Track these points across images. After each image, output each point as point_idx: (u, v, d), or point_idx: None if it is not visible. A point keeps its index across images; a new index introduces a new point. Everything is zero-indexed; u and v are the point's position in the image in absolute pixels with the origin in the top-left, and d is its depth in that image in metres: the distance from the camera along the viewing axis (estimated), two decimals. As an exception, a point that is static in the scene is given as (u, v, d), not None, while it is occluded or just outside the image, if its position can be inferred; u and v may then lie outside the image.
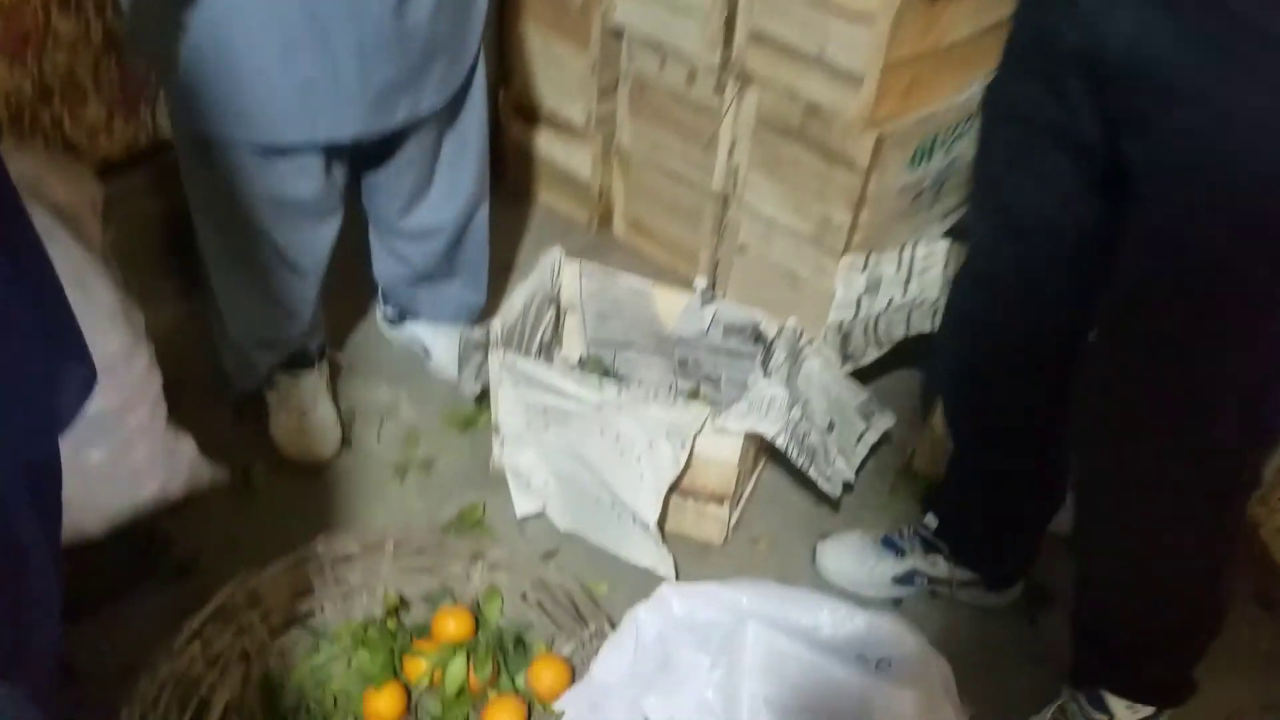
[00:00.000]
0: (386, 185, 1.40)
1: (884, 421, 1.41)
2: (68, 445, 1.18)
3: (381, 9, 1.13)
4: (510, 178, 2.03)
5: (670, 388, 1.56)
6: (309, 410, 1.46)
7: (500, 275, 1.86)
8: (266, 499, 1.44)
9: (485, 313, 1.62)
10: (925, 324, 1.46)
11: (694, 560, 1.38)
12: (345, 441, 1.52)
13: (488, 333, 1.37)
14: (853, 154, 1.44)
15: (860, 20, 1.36)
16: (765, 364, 1.35)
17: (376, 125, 1.21)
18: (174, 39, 1.12)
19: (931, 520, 1.33)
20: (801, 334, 1.38)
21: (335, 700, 1.16)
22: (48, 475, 0.97)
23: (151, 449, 1.28)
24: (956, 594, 1.33)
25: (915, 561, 1.32)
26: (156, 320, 1.62)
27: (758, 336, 1.44)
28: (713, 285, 1.82)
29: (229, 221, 1.28)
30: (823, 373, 1.40)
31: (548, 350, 1.56)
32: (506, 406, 1.36)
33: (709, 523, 1.38)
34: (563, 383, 1.31)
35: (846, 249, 1.52)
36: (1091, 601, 1.12)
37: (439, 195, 1.43)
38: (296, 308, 1.39)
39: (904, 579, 1.33)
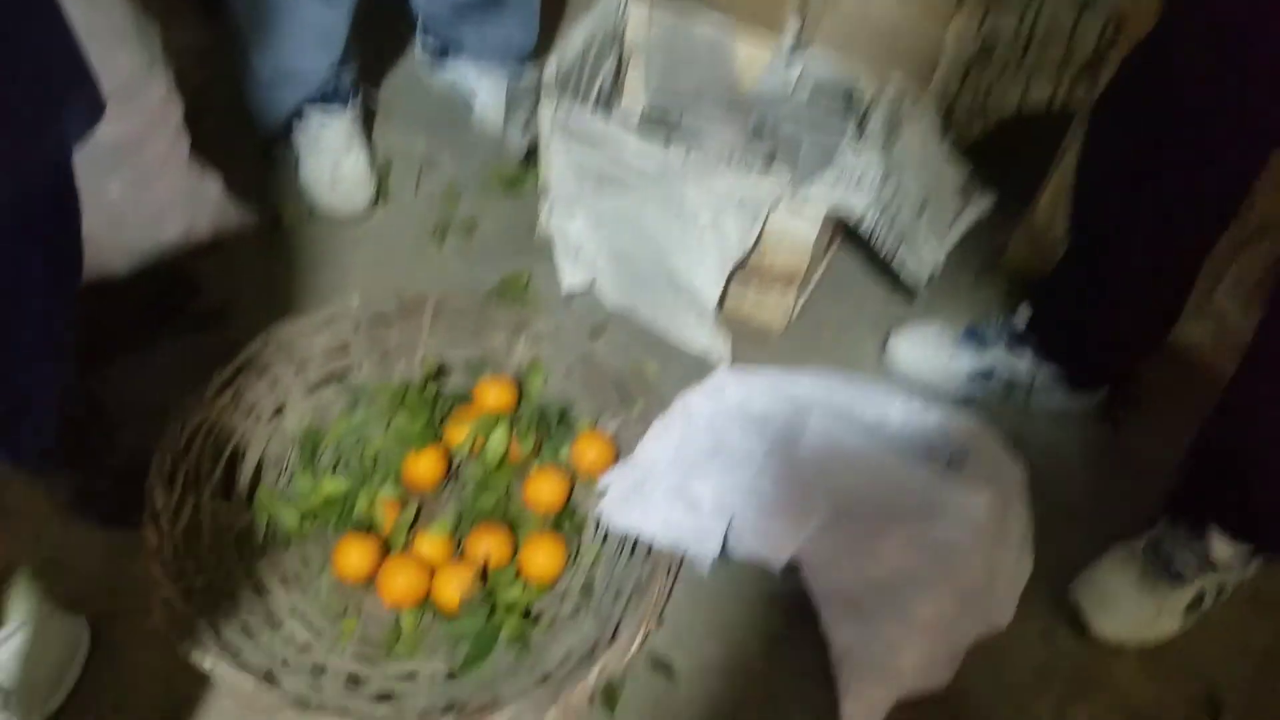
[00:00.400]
0: None
1: (983, 203, 1.25)
2: (85, 177, 1.08)
3: None
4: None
5: (742, 151, 1.40)
6: (341, 156, 1.33)
7: (555, 9, 1.66)
8: (298, 248, 1.34)
9: (538, 54, 1.44)
10: (1044, 91, 1.27)
11: (752, 345, 1.28)
12: (381, 193, 1.40)
13: (539, 77, 1.21)
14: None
15: None
16: (859, 131, 1.19)
17: None
18: None
19: (1023, 314, 1.21)
20: (904, 98, 1.20)
21: (375, 460, 1.12)
22: (56, 210, 0.87)
23: (174, 184, 1.17)
24: (1034, 398, 1.24)
25: (997, 356, 1.21)
26: (175, 44, 1.48)
27: (851, 99, 1.26)
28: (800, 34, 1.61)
29: None
30: (924, 144, 1.23)
31: (607, 101, 1.40)
32: (558, 166, 1.22)
33: (772, 307, 1.27)
34: (624, 142, 1.16)
35: (961, 3, 1.31)
36: (1233, 430, 0.99)
37: None
38: (327, 32, 1.22)
39: (982, 375, 1.23)
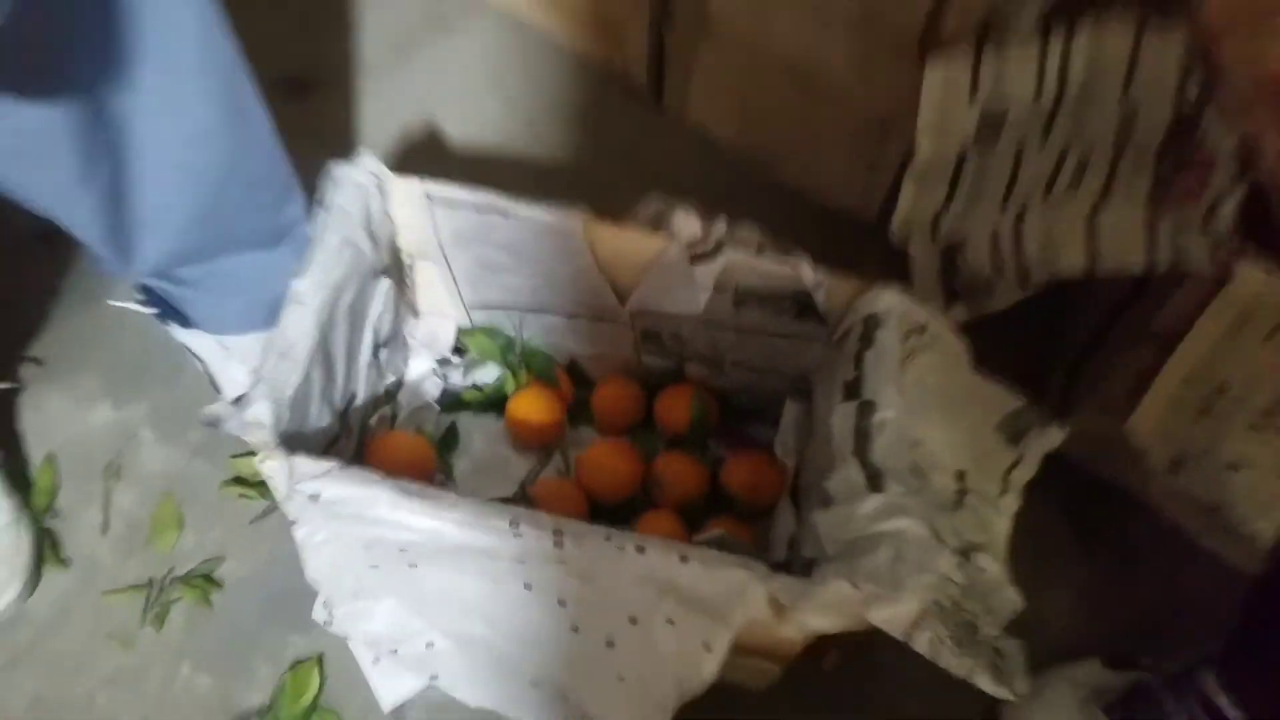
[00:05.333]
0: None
1: (1048, 440, 0.75)
2: None
3: None
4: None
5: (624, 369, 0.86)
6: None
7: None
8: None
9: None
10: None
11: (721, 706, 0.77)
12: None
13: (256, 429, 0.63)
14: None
15: None
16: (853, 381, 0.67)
17: None
18: None
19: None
20: (893, 315, 0.68)
21: None
22: None
23: None
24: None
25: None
26: None
27: (803, 307, 0.73)
28: (659, 92, 1.06)
29: None
30: (940, 372, 0.72)
31: (391, 348, 0.83)
32: (320, 556, 0.66)
33: (752, 674, 0.76)
34: (423, 520, 0.61)
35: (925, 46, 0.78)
36: None
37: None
38: None
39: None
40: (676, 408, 0.86)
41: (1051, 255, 0.80)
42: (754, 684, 0.77)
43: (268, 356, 0.65)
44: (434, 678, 0.75)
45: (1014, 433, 0.76)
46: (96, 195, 0.65)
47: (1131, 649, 0.80)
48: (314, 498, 0.61)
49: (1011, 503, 0.74)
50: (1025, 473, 0.75)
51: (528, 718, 0.73)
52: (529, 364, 0.89)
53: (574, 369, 0.90)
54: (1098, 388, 0.86)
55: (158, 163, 0.65)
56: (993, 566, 0.67)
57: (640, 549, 0.59)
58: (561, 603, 0.64)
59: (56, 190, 0.64)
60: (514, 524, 0.60)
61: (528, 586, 0.64)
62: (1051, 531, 0.89)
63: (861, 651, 0.80)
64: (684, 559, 0.59)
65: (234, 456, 0.87)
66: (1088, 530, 0.90)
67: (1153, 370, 0.79)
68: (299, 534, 0.65)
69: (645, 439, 0.87)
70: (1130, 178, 0.79)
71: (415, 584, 0.68)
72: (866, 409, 0.67)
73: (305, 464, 0.61)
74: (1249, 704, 0.65)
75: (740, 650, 0.63)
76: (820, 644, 0.67)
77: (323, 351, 0.69)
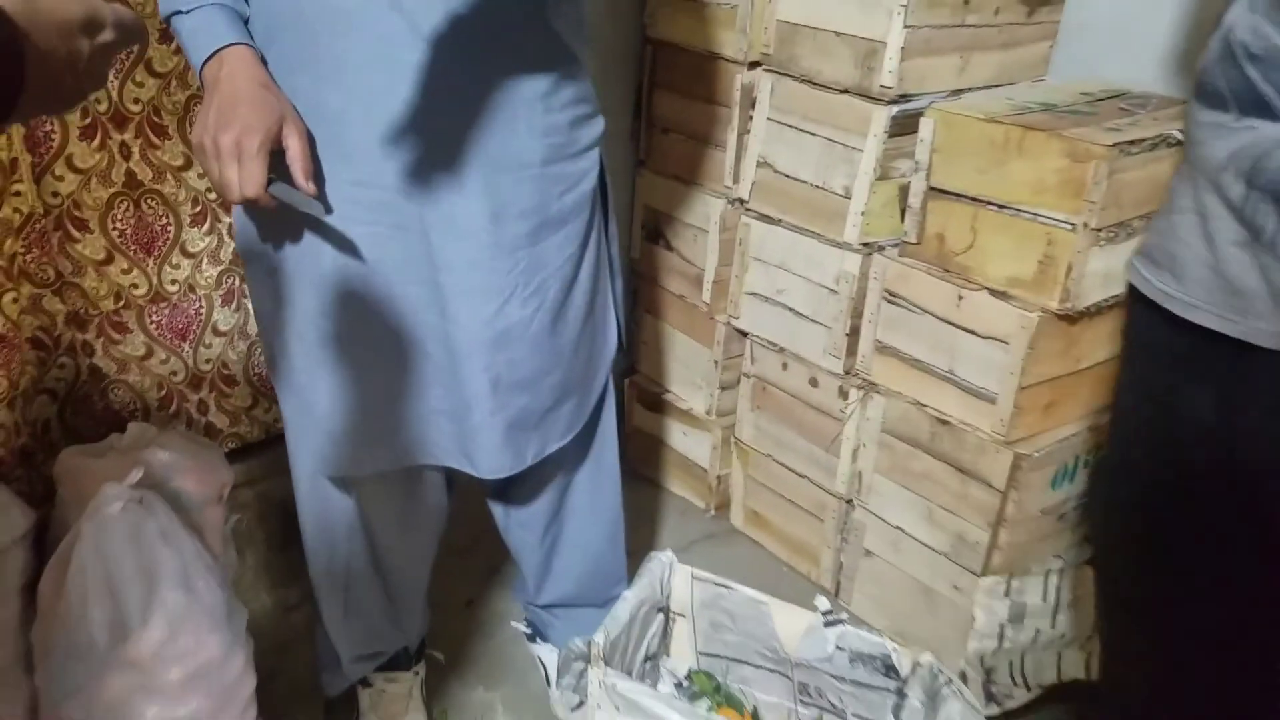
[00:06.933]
0: (523, 521, 1.39)
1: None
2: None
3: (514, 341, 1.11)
4: (631, 459, 2.02)
5: (790, 716, 1.41)
6: (399, 717, 1.38)
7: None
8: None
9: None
10: (1079, 669, 1.29)
11: None
12: (435, 748, 1.42)
13: (589, 645, 1.29)
14: (988, 472, 1.36)
15: (994, 341, 1.32)
16: (898, 710, 1.21)
17: (505, 464, 1.17)
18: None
19: None
20: (940, 674, 1.24)
21: None
22: None
23: (235, 755, 1.22)
24: None
25: None
26: (264, 602, 1.62)
27: (889, 669, 1.30)
28: (837, 590, 1.70)
29: (329, 555, 1.27)
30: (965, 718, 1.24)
31: (655, 661, 1.46)
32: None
33: None
34: (667, 712, 1.19)
35: (985, 570, 1.39)
36: None
37: (577, 527, 1.40)
38: (400, 622, 1.35)
39: None
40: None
41: None
42: None
43: (607, 629, 1.31)
44: None
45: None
46: (544, 550, 1.39)
47: None
48: (611, 690, 1.22)
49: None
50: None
51: None
52: (728, 701, 1.46)
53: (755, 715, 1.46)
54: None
55: (578, 530, 1.40)
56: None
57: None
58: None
59: (532, 541, 1.39)
60: None
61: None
62: None
63: None
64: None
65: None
66: None
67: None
68: (600, 717, 1.24)
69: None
70: None
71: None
72: None
73: (612, 673, 1.23)
74: None
75: None
76: None
77: (618, 650, 1.33)
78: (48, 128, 1.37)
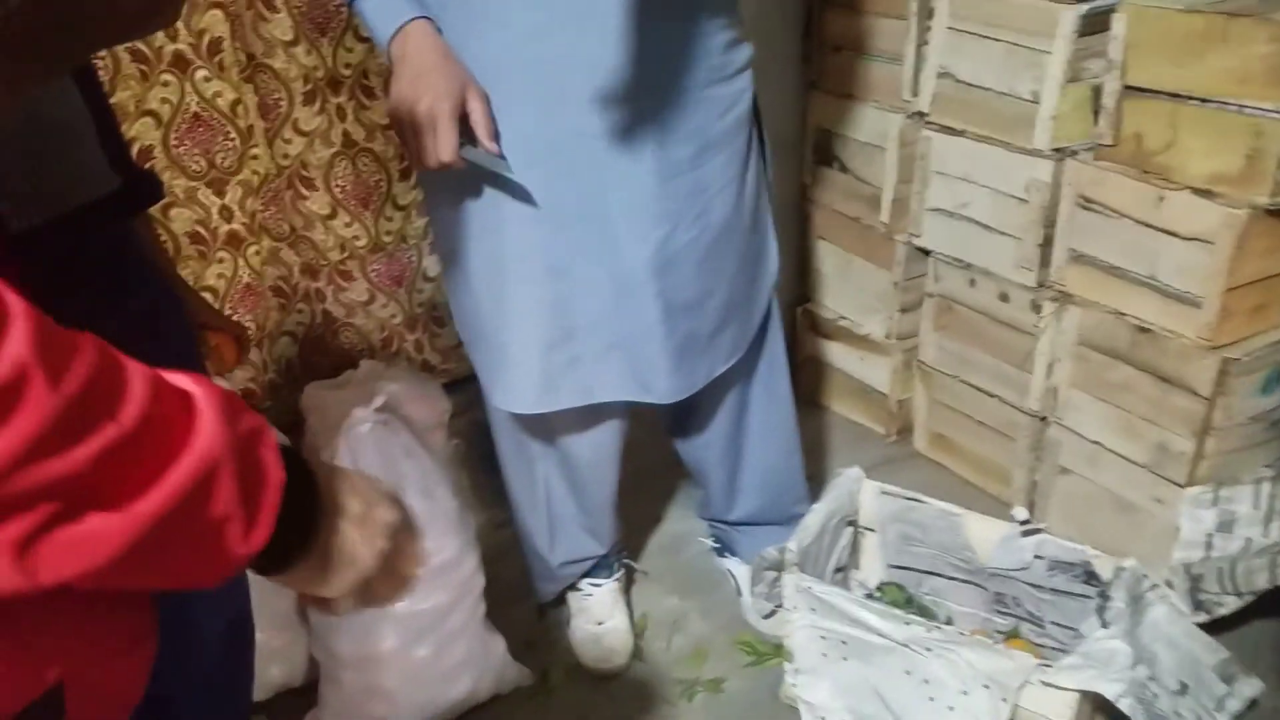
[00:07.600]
0: (703, 443, 1.45)
1: (1249, 688, 1.19)
2: (399, 641, 1.29)
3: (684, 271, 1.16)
4: (803, 388, 2.05)
5: (985, 625, 1.43)
6: (605, 619, 1.49)
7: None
8: (561, 704, 1.47)
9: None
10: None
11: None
12: (637, 650, 1.53)
13: (782, 553, 1.35)
14: (1193, 380, 1.31)
15: (1197, 242, 1.27)
16: (1101, 611, 1.21)
17: (679, 388, 1.23)
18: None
19: None
20: (1144, 578, 1.23)
21: None
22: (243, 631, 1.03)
23: (469, 647, 1.37)
24: None
25: None
26: (477, 519, 1.77)
27: (1090, 577, 1.29)
28: (1031, 510, 1.68)
29: (528, 477, 1.39)
30: (1171, 624, 1.22)
31: (844, 574, 1.50)
32: (801, 636, 1.31)
33: None
34: (864, 614, 1.24)
35: (1190, 481, 1.35)
36: None
37: (755, 447, 1.46)
38: (595, 532, 1.46)
39: None
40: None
41: None
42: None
43: (799, 538, 1.37)
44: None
45: (1225, 675, 1.21)
46: (727, 470, 1.46)
47: None
48: (806, 593, 1.28)
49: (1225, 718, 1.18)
50: (1234, 704, 1.19)
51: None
52: (921, 613, 1.49)
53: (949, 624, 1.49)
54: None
55: (757, 450, 1.46)
56: None
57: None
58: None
59: (713, 461, 1.46)
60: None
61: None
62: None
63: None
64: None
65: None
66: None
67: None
68: (795, 619, 1.30)
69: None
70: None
71: (844, 672, 1.28)
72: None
73: (806, 578, 1.29)
74: None
75: None
76: None
77: (809, 560, 1.39)
78: (277, 96, 1.52)
